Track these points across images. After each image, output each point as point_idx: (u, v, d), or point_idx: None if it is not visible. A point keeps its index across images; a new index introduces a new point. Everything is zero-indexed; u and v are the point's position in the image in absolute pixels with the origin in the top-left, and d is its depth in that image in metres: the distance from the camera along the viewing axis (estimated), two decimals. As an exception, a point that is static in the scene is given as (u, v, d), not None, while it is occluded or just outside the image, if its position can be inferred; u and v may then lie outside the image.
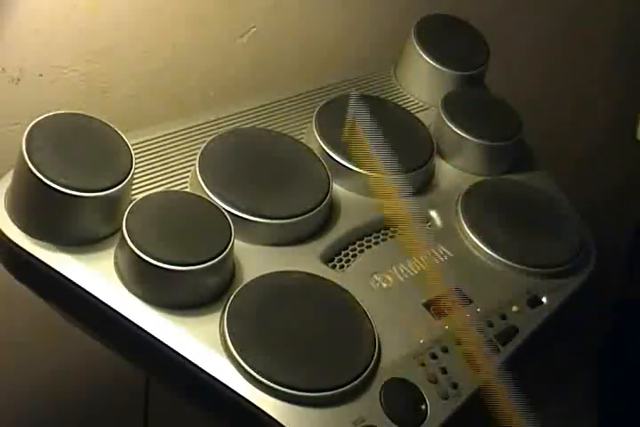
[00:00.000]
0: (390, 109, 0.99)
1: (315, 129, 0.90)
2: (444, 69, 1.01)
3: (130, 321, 0.72)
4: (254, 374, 0.71)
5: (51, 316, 0.81)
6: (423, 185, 0.94)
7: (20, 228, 0.74)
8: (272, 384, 0.71)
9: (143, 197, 0.75)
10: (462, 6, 1.15)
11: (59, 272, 0.73)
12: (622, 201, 1.75)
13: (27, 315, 1.10)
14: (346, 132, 0.92)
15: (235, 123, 0.92)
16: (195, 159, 0.83)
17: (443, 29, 1.05)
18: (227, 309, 0.74)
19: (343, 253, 0.85)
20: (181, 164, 0.85)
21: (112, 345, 0.79)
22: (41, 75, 0.96)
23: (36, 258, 0.73)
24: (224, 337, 0.73)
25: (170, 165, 0.85)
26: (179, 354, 0.72)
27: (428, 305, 0.83)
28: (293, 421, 0.71)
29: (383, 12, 1.22)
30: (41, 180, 0.70)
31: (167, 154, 0.86)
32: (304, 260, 0.82)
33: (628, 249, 1.62)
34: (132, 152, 0.76)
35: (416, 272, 0.85)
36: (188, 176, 0.84)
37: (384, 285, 0.83)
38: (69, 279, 0.73)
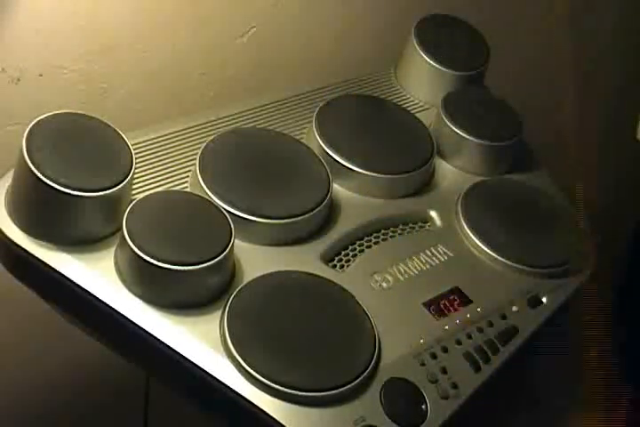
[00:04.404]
0: (390, 109, 0.99)
1: (315, 129, 0.90)
2: (444, 69, 1.02)
3: (130, 321, 0.72)
4: (254, 374, 0.71)
5: (51, 316, 0.81)
6: (423, 185, 0.94)
7: (19, 227, 0.74)
8: (272, 384, 0.71)
9: (143, 197, 0.75)
10: (462, 6, 1.15)
11: (59, 272, 0.73)
12: (622, 201, 1.75)
13: (27, 315, 1.10)
14: (346, 131, 0.92)
15: (235, 123, 0.92)
16: (195, 159, 0.83)
17: (443, 29, 1.05)
18: (227, 309, 0.74)
19: (343, 253, 0.85)
20: (181, 164, 0.85)
21: (112, 345, 0.79)
22: (41, 75, 0.96)
23: (36, 258, 0.73)
24: (224, 337, 0.73)
25: (170, 165, 0.85)
26: (179, 354, 0.72)
27: (428, 305, 0.83)
28: (293, 421, 0.71)
29: (383, 12, 1.22)
30: (41, 180, 0.70)
31: (167, 154, 0.86)
32: (304, 260, 0.82)
33: (628, 249, 1.62)
34: (132, 152, 0.76)
35: (416, 272, 0.85)
36: (188, 176, 0.84)
37: (384, 285, 0.83)
38: (69, 279, 0.73)
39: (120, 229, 0.72)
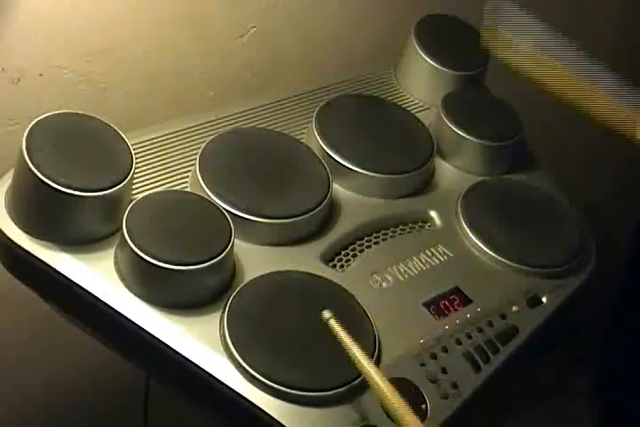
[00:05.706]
0: (390, 109, 0.99)
1: (315, 129, 0.90)
2: (444, 69, 1.02)
3: (130, 321, 0.72)
4: (254, 373, 0.71)
5: (51, 316, 0.81)
6: (423, 185, 0.94)
7: (20, 227, 0.74)
8: (272, 384, 0.71)
9: (143, 197, 0.75)
10: (462, 6, 1.14)
11: (59, 272, 0.73)
12: (622, 201, 1.74)
13: (27, 315, 1.10)
14: (346, 131, 0.92)
15: (235, 123, 0.92)
16: (195, 159, 0.83)
17: (443, 29, 1.05)
18: (227, 309, 0.74)
19: (343, 253, 0.85)
20: (181, 164, 0.85)
21: (112, 345, 0.79)
22: (41, 75, 0.96)
23: (36, 257, 0.73)
24: (224, 337, 0.73)
25: (170, 165, 0.85)
26: (179, 354, 0.72)
27: (428, 305, 0.83)
28: (293, 421, 0.71)
29: (383, 12, 1.22)
30: (41, 179, 0.70)
31: (167, 154, 0.86)
32: (304, 260, 0.82)
33: (627, 249, 1.62)
34: (132, 152, 0.76)
35: (416, 272, 0.85)
36: (188, 176, 0.84)
37: (384, 285, 0.83)
38: (69, 279, 0.73)
39: (120, 229, 0.72)
